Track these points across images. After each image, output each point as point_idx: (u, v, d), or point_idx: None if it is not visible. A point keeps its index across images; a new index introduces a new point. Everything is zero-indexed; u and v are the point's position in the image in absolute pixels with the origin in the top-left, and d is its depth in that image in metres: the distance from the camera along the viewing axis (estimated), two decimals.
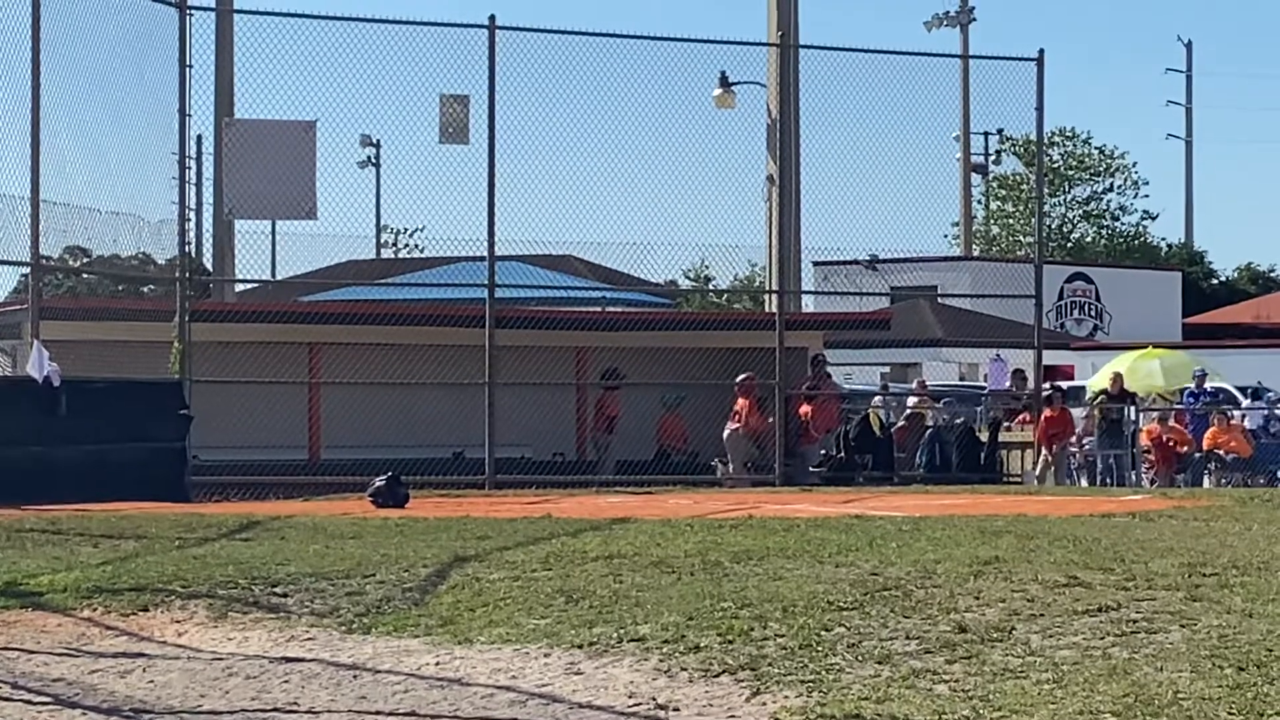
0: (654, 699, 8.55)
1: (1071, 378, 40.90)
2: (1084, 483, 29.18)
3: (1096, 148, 78.97)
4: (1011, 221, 76.51)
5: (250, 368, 24.51)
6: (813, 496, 21.45)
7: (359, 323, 26.72)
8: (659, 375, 27.19)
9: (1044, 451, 27.53)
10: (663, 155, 26.74)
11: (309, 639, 10.23)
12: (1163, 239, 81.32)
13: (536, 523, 15.78)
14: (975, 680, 8.37)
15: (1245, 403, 34.68)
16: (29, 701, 8.92)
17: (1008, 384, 29.42)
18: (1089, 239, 78.55)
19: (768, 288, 29.96)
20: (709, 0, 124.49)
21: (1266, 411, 32.17)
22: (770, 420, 25.73)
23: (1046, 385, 27.96)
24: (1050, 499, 20.50)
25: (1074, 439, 29.06)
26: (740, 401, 26.22)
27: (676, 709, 8.40)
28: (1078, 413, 30.87)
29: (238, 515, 16.97)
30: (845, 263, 30.70)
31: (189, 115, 22.88)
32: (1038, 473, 27.37)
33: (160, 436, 21.22)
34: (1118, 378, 30.44)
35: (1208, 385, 32.95)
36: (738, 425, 26.15)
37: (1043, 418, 27.54)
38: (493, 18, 23.94)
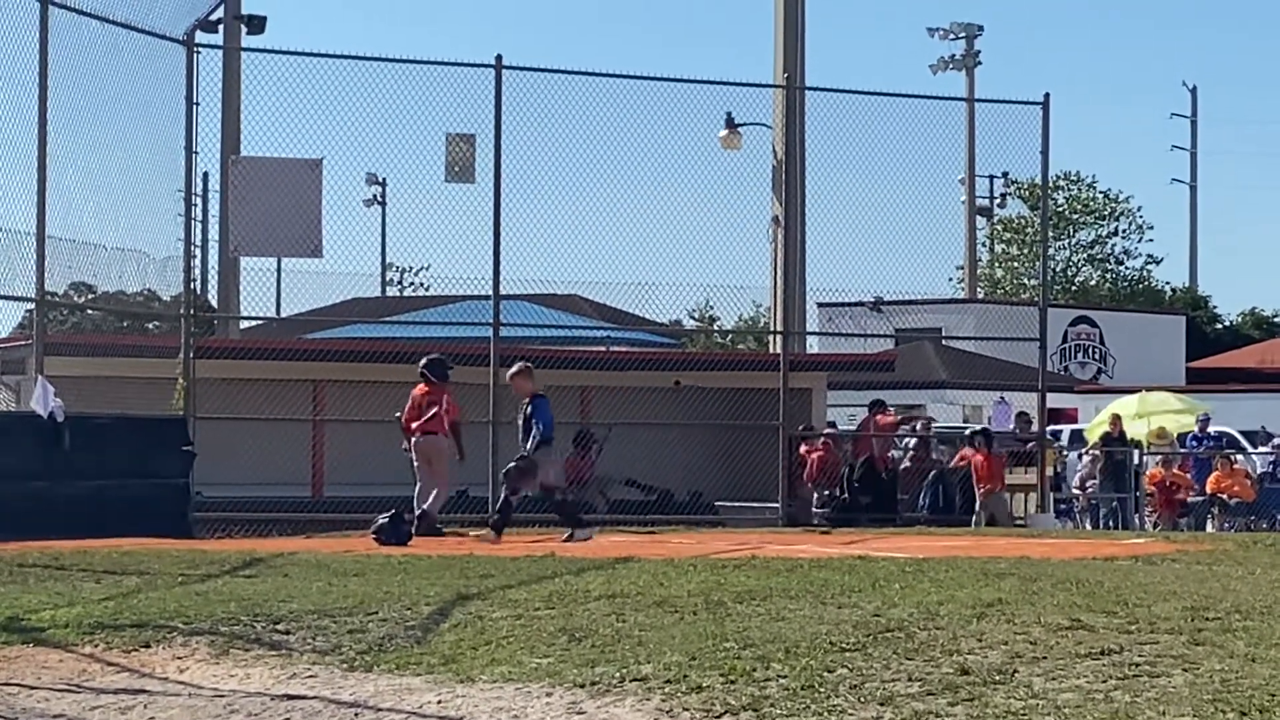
0: None
1: (1075, 420, 40.92)
2: (1088, 526, 29.15)
3: (1101, 192, 79.22)
4: (1016, 264, 76.64)
5: (254, 404, 24.53)
6: (815, 537, 21.41)
7: (363, 360, 26.76)
8: (662, 415, 27.17)
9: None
10: (668, 195, 26.82)
11: (311, 676, 10.20)
12: (1167, 283, 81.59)
13: (539, 561, 15.76)
14: None
15: (1259, 450, 34.51)
16: None
17: (1011, 426, 29.41)
18: (1093, 282, 78.61)
19: (772, 328, 29.95)
20: (716, 42, 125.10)
21: (1274, 456, 32.09)
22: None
23: (976, 427, 27.76)
24: (1053, 542, 20.47)
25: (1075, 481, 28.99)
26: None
27: None
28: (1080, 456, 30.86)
29: (240, 552, 16.97)
30: (850, 304, 30.72)
31: (195, 152, 22.96)
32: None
33: (163, 472, 21.24)
34: (1117, 419, 30.38)
35: (1211, 429, 32.93)
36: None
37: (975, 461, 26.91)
38: (499, 57, 24.04)
